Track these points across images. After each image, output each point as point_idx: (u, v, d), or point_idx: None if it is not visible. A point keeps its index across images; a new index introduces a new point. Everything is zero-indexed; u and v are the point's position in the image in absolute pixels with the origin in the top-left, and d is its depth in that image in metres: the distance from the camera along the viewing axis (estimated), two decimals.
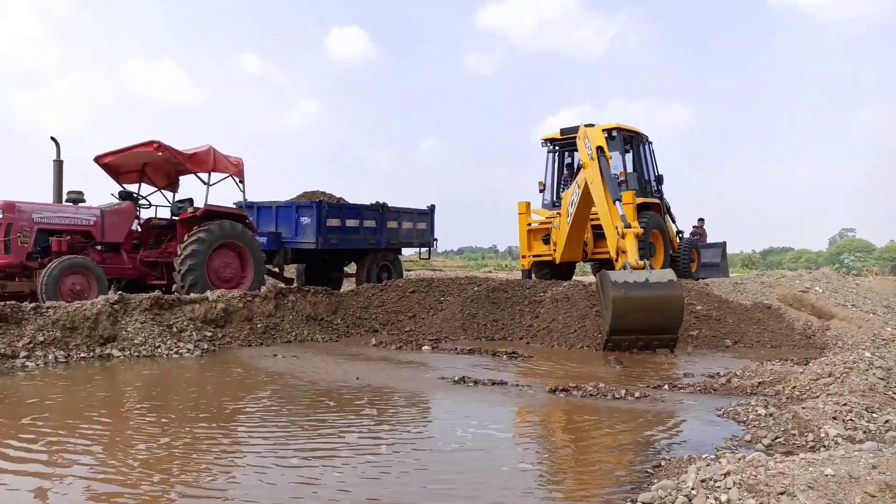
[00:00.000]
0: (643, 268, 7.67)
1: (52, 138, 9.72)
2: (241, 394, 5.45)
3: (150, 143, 9.72)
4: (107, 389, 5.55)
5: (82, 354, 7.02)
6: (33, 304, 7.37)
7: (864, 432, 3.82)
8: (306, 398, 5.23)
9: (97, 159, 10.33)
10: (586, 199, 9.34)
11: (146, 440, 3.96)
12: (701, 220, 17.46)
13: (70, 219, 9.45)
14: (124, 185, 10.70)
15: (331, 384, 5.81)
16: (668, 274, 7.75)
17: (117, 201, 10.31)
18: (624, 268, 7.76)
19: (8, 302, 7.28)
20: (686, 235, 14.36)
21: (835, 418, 4.03)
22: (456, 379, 5.98)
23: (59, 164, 9.80)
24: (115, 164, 10.46)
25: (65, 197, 9.80)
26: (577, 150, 14.02)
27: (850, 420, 4.01)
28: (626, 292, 7.41)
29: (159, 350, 7.37)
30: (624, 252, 8.01)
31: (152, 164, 10.73)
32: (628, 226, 8.15)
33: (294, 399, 5.20)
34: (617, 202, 8.44)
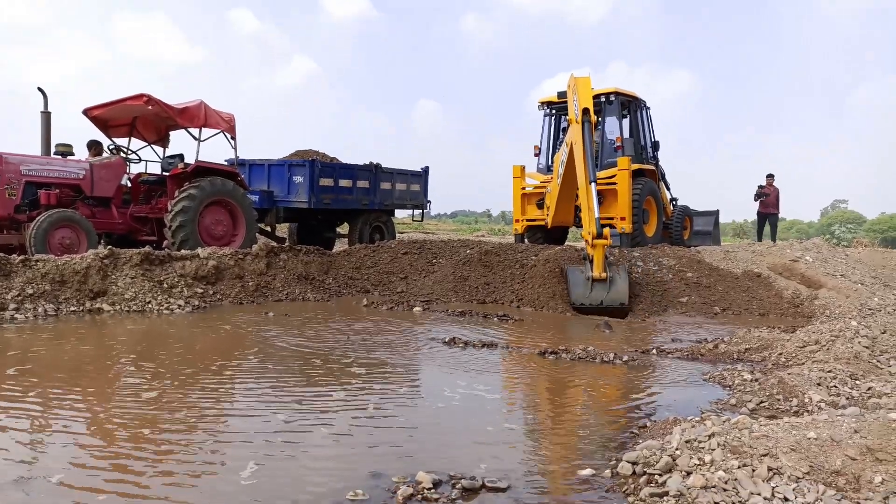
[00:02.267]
0: (605, 279, 8.03)
1: (40, 89, 9.53)
2: (230, 351, 5.46)
3: (140, 96, 9.53)
4: (96, 343, 5.55)
5: (72, 308, 6.99)
6: (22, 257, 7.31)
7: (847, 398, 3.88)
8: (296, 356, 5.25)
9: (86, 112, 10.15)
10: (573, 159, 9.21)
11: (131, 395, 3.97)
12: (770, 176, 15.67)
13: (59, 172, 9.32)
14: (113, 139, 10.54)
15: (320, 343, 5.82)
16: (622, 296, 8.06)
17: (108, 155, 10.17)
18: (588, 279, 8.11)
19: None
20: (679, 203, 14.32)
21: (819, 384, 4.09)
22: (446, 340, 6.01)
23: (46, 116, 9.62)
24: (105, 118, 10.29)
25: (53, 150, 9.65)
26: None
27: (834, 386, 4.07)
28: (579, 312, 8.12)
29: (149, 305, 7.35)
30: (593, 238, 8.04)
31: (142, 118, 10.56)
32: (600, 235, 8.02)
33: (283, 357, 5.22)
34: (592, 184, 8.26)
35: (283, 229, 14.71)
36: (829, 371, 4.29)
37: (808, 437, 2.68)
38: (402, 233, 19.64)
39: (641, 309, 8.43)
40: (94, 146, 10.25)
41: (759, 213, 16.09)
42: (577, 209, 12.08)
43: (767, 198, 15.47)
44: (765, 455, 2.60)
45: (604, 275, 8.00)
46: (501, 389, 4.60)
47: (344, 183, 12.81)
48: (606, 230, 8.18)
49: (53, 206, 8.90)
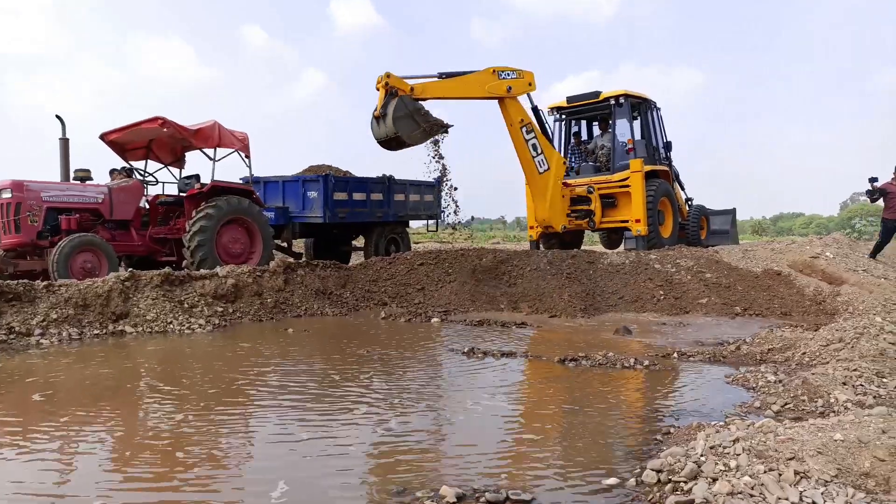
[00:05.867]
0: (378, 116, 9.44)
1: (58, 116, 9.71)
2: (252, 370, 5.50)
3: (156, 119, 9.68)
4: (121, 365, 5.62)
5: (95, 331, 7.10)
6: (45, 283, 7.44)
7: (874, 397, 3.82)
8: (316, 373, 5.28)
9: (103, 136, 10.32)
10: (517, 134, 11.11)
11: (157, 418, 4.02)
12: None
13: (78, 197, 9.48)
14: (130, 162, 10.70)
15: (340, 358, 5.86)
16: (389, 131, 9.38)
17: (125, 179, 10.33)
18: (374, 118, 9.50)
19: (20, 280, 7.35)
20: (695, 202, 14.20)
21: (844, 384, 4.04)
22: (465, 350, 6.02)
23: (65, 143, 9.80)
24: (121, 142, 10.45)
25: (72, 175, 9.83)
26: (584, 118, 13.94)
27: (860, 385, 4.02)
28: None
29: (171, 326, 7.44)
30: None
31: (158, 140, 10.71)
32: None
33: (304, 374, 5.25)
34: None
35: (299, 245, 14.81)
36: (855, 370, 4.24)
37: (835, 438, 2.65)
38: (417, 243, 19.70)
39: (660, 310, 8.37)
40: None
41: (883, 221, 11.14)
42: (593, 213, 12.07)
43: (889, 198, 10.76)
44: (791, 459, 2.57)
45: (376, 112, 9.39)
46: (522, 399, 4.59)
47: (358, 196, 12.87)
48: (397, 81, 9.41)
49: (74, 231, 9.05)
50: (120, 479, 2.97)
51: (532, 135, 11.29)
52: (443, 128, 11.07)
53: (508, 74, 10.95)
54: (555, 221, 11.92)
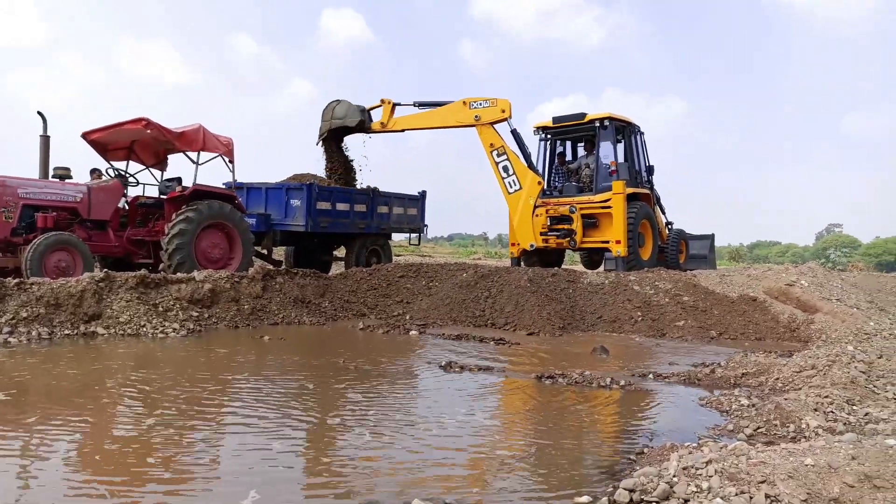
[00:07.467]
0: None
1: (39, 113, 9.57)
2: (225, 377, 5.42)
3: (139, 120, 9.58)
4: (90, 367, 5.51)
5: (66, 331, 6.96)
6: (17, 280, 7.28)
7: (845, 424, 3.87)
8: (291, 382, 5.22)
9: (85, 136, 10.19)
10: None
11: (124, 424, 3.94)
12: None
13: (56, 195, 9.33)
14: (112, 163, 10.57)
15: (316, 367, 5.80)
16: None
17: (107, 178, 10.20)
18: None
19: None
20: (675, 227, 14.36)
21: (816, 410, 4.08)
22: (443, 364, 5.99)
23: (45, 140, 9.65)
24: (103, 141, 10.32)
25: (51, 173, 9.67)
26: (569, 139, 14.09)
27: (831, 412, 4.06)
28: None
29: (144, 329, 7.32)
30: None
31: (141, 141, 10.60)
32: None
33: (279, 382, 5.19)
34: None
35: (279, 252, 14.69)
36: (826, 396, 4.29)
37: (806, 463, 2.67)
38: (398, 256, 19.65)
39: (637, 331, 8.43)
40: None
41: None
42: (574, 233, 12.17)
43: None
44: (762, 482, 2.58)
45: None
46: (497, 415, 4.58)
47: (341, 207, 12.82)
48: None
49: (50, 229, 8.89)
50: (81, 487, 2.90)
51: (503, 157, 12.31)
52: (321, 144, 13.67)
53: (480, 104, 12.19)
54: (522, 239, 12.46)
